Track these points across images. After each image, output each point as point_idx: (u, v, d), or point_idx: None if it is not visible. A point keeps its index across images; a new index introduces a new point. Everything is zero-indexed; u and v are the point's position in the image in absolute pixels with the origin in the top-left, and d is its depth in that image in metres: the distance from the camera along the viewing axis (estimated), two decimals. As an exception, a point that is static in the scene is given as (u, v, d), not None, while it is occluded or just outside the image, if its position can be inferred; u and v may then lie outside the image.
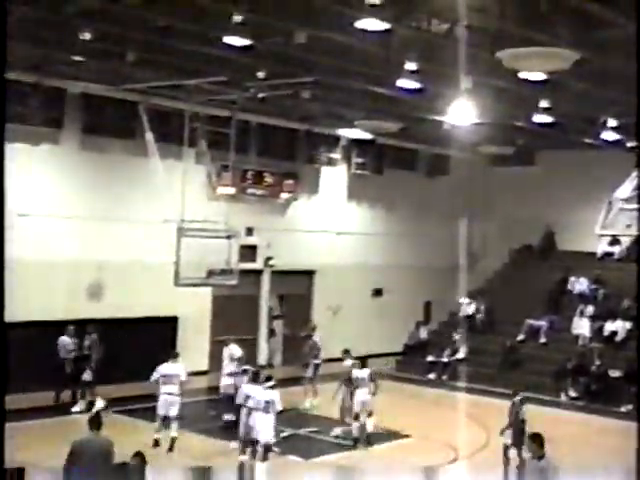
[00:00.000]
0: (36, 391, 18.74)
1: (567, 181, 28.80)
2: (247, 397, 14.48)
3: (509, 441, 14.47)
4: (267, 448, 14.01)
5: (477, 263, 30.74)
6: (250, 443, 14.24)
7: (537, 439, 10.08)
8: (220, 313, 24.46)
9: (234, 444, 15.04)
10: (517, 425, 14.51)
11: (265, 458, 14.00)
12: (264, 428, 13.98)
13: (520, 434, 13.98)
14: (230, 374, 17.88)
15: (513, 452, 14.27)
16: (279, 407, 14.27)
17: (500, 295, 28.02)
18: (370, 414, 17.20)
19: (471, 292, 29.07)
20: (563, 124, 22.53)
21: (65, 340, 19.24)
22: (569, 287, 27.53)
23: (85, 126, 21.10)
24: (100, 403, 17.34)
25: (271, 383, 14.69)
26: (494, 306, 27.58)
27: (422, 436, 17.84)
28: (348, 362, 18.37)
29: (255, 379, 15.25)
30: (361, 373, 17.43)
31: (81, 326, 19.47)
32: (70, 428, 15.26)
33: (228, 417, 17.06)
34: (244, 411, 14.47)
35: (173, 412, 15.74)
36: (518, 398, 15.18)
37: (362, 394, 17.22)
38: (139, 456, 9.82)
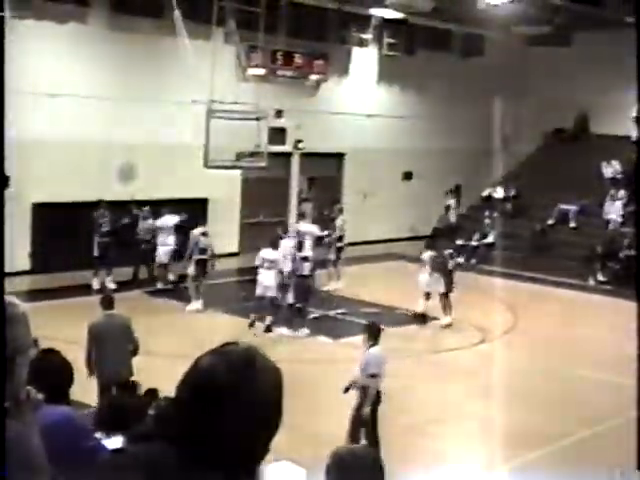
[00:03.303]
0: (72, 270, 19.07)
1: (603, 63, 28.04)
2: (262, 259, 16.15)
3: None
4: (272, 301, 15.95)
5: (509, 146, 30.37)
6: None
7: (371, 329, 10.66)
8: (249, 195, 24.52)
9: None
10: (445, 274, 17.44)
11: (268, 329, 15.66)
12: (269, 283, 15.77)
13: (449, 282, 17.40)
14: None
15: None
16: (284, 267, 15.80)
17: (531, 179, 27.79)
18: (427, 295, 17.73)
19: (502, 176, 28.85)
20: (601, 1, 21.84)
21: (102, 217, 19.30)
22: (601, 171, 27.22)
23: (113, 4, 20.76)
24: (111, 285, 17.97)
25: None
26: (525, 190, 27.40)
27: (443, 324, 17.97)
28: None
29: (273, 246, 16.43)
30: (424, 255, 18.10)
31: (113, 206, 19.59)
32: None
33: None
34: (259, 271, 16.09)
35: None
36: (448, 252, 18.36)
37: (422, 275, 17.87)
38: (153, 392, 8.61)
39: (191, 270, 17.76)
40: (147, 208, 19.97)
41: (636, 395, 6.83)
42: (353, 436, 10.32)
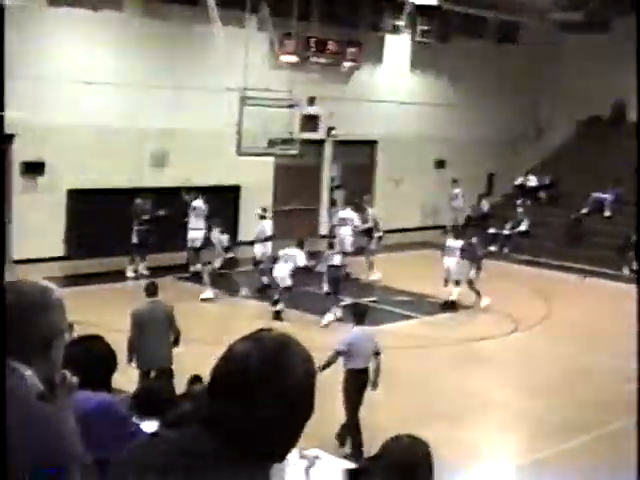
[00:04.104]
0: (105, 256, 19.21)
1: (641, 50, 27.68)
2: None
3: None
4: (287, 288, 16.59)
5: (543, 134, 30.11)
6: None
7: (354, 309, 11.38)
8: (282, 183, 24.53)
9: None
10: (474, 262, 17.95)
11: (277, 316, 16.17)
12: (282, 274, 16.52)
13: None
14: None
15: None
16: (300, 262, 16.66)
17: (565, 168, 27.53)
18: (457, 283, 17.89)
19: (536, 164, 28.60)
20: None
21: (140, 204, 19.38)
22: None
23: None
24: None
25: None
26: (559, 179, 27.16)
27: (482, 307, 17.92)
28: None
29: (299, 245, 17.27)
30: (454, 243, 18.21)
31: (146, 194, 19.64)
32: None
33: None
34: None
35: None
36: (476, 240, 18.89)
37: (449, 261, 18.02)
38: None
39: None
40: (195, 194, 19.96)
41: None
42: (348, 416, 10.45)
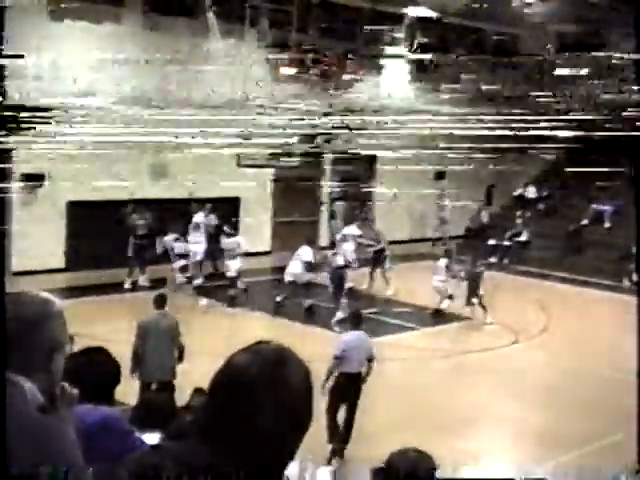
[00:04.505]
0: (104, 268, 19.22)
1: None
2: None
3: None
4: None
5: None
6: None
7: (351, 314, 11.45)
8: (281, 194, 24.54)
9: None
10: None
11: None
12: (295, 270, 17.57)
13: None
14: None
15: None
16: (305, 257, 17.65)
17: (564, 179, 27.53)
18: (450, 297, 18.26)
19: (535, 176, 28.60)
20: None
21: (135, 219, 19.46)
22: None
23: (147, 4, 20.87)
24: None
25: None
26: (557, 190, 27.17)
27: (482, 318, 17.91)
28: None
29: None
30: (440, 262, 18.58)
31: (144, 206, 19.70)
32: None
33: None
34: None
35: None
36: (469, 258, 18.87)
37: (435, 281, 18.35)
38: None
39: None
40: (209, 205, 20.09)
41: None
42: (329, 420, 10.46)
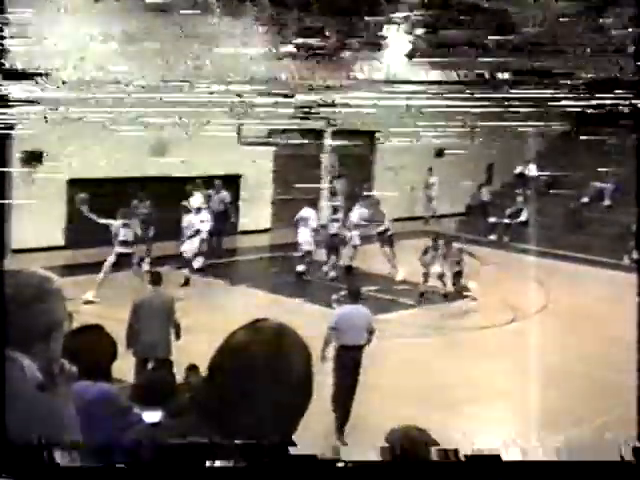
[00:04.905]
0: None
1: None
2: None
3: None
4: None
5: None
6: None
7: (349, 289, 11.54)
8: (282, 172, 24.50)
9: None
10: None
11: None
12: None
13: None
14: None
15: None
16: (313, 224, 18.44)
17: (565, 157, 27.49)
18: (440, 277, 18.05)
19: (536, 153, 28.52)
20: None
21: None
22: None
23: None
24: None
25: None
26: (558, 168, 27.10)
27: (481, 296, 17.93)
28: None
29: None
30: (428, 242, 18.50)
31: (144, 183, 19.64)
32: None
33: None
34: None
35: None
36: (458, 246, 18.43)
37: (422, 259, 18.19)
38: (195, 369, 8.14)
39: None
40: (219, 182, 19.99)
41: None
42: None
